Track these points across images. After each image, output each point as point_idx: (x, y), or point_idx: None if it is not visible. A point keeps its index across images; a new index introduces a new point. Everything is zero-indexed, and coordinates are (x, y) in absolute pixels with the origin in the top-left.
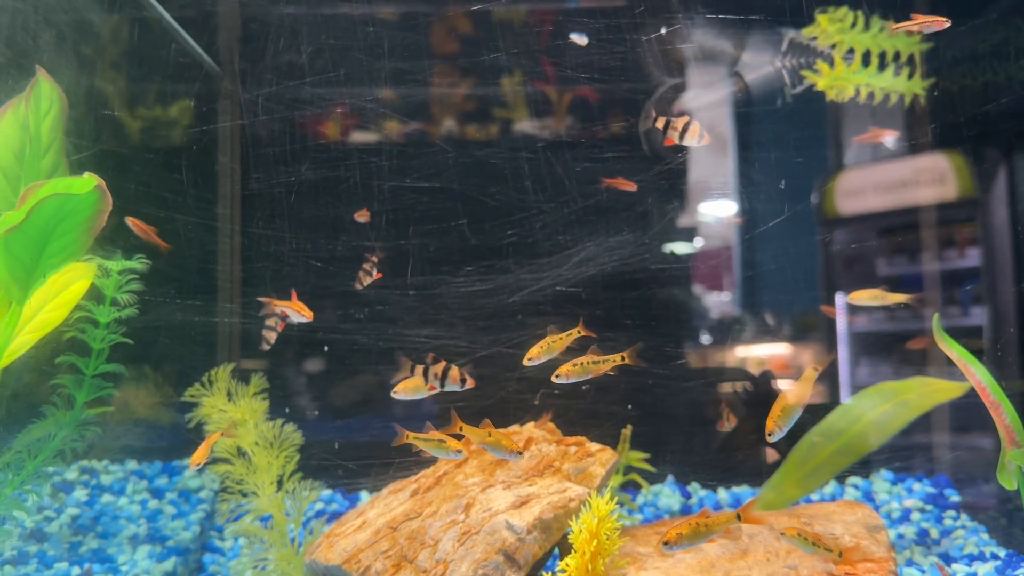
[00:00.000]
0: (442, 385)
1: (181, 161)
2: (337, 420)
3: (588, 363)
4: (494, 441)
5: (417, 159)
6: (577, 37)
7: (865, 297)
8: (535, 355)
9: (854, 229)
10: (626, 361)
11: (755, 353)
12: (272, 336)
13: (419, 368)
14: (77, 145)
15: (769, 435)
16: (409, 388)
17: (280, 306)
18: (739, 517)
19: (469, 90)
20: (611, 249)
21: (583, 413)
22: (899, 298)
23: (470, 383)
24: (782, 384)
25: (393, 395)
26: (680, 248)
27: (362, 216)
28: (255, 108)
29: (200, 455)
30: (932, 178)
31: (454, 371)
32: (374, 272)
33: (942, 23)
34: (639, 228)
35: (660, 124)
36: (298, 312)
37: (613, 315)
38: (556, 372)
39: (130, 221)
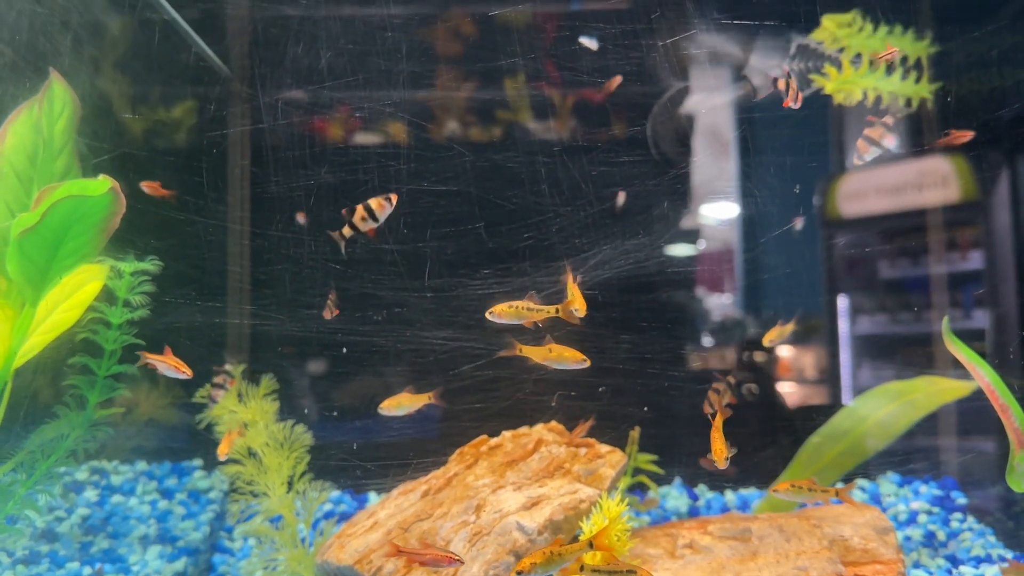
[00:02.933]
0: (375, 220)
1: (196, 163)
2: (356, 421)
3: (523, 308)
4: (557, 355)
5: (435, 163)
6: (587, 41)
7: (774, 336)
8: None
9: (857, 232)
10: (559, 314)
11: (763, 355)
12: (220, 394)
13: (345, 231)
14: (92, 148)
15: (727, 459)
16: (393, 405)
17: (152, 359)
18: (591, 544)
19: (486, 95)
20: (627, 252)
21: (599, 415)
22: (788, 328)
23: (394, 198)
24: (785, 386)
25: (380, 411)
26: (693, 251)
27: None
28: (274, 112)
29: (225, 447)
30: (935, 181)
31: (373, 203)
32: (335, 308)
33: (895, 53)
34: (655, 231)
35: (781, 85)
36: (174, 368)
37: (629, 317)
38: (490, 310)
39: (144, 186)
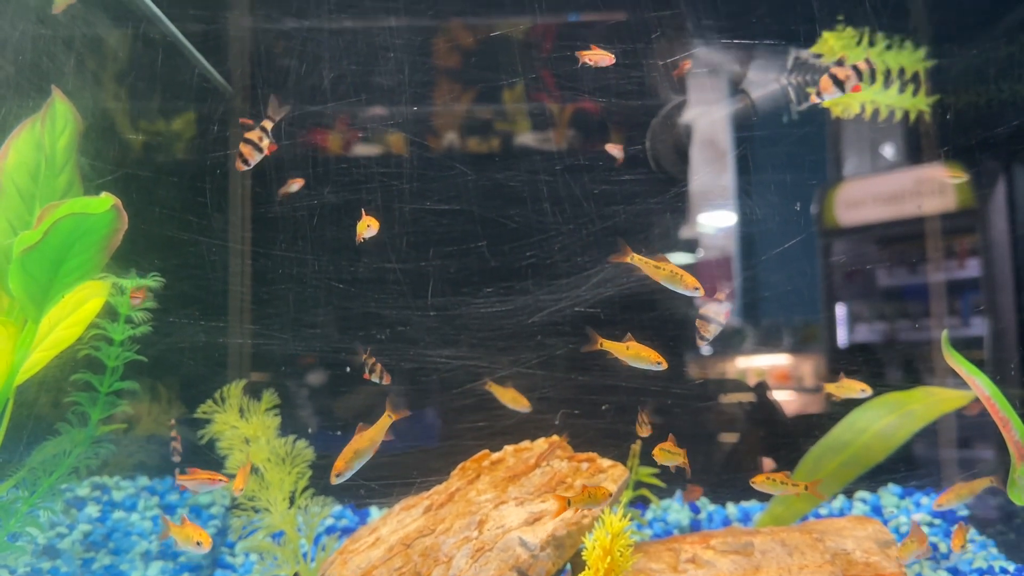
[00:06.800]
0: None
1: (200, 183)
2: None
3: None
4: (634, 354)
5: (437, 182)
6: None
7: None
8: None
9: (854, 240)
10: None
11: (762, 365)
12: (178, 445)
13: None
14: (95, 167)
15: (337, 475)
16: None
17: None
18: None
19: (487, 114)
20: (629, 270)
21: (602, 432)
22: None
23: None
24: (778, 395)
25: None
26: (694, 264)
27: (296, 184)
28: (277, 132)
29: (240, 481)
30: (932, 189)
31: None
32: (377, 368)
33: None
34: (656, 249)
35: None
36: (210, 481)
37: (631, 335)
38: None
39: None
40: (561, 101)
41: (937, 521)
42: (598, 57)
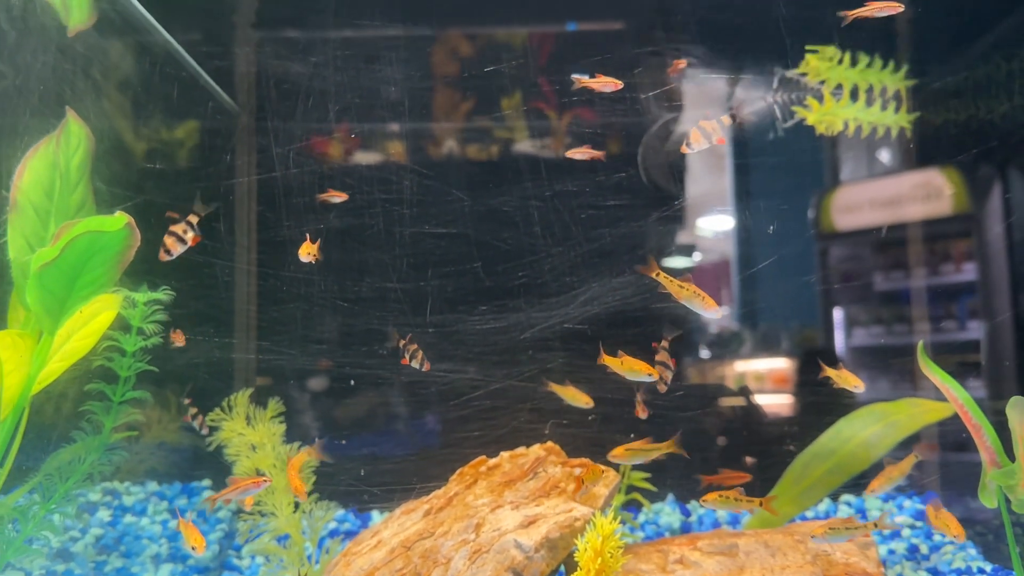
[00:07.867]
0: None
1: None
2: (363, 447)
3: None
4: (627, 367)
5: (435, 207)
6: (584, 78)
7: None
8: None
9: (850, 244)
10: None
11: (752, 369)
12: (195, 413)
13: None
14: (114, 193)
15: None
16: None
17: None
18: None
19: (483, 143)
20: (615, 289)
21: (590, 441)
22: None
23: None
24: (762, 399)
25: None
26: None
27: (337, 197)
28: (285, 161)
29: (249, 499)
30: (927, 194)
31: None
32: (418, 355)
33: (896, 8)
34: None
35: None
36: (255, 484)
37: (616, 351)
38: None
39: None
40: (557, 115)
41: (919, 523)
42: (603, 84)
